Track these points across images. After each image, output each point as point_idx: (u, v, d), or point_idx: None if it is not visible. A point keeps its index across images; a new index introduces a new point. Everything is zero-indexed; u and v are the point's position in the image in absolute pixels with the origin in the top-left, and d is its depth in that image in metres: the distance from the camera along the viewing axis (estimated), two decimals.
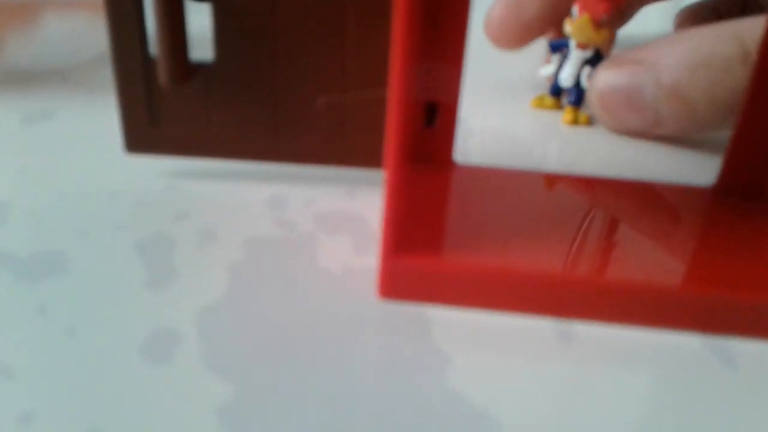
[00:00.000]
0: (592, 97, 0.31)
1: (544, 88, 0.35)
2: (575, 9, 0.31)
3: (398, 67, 0.18)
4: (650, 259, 0.21)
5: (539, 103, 0.34)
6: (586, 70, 0.32)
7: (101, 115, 0.31)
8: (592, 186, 0.25)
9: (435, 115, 0.25)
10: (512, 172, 0.26)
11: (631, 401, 0.18)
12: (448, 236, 0.22)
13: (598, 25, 0.31)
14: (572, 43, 0.32)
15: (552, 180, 0.26)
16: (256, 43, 0.24)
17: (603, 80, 0.31)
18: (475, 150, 0.31)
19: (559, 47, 0.33)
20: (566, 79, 0.33)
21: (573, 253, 0.21)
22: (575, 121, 0.33)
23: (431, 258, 0.20)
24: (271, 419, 0.17)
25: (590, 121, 0.33)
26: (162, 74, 0.24)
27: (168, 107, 0.25)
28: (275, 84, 0.25)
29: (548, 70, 0.34)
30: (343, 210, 0.25)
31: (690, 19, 0.40)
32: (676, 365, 0.19)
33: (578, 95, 0.33)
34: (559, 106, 0.34)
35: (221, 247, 0.23)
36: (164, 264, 0.22)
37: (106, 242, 0.23)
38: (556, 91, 0.34)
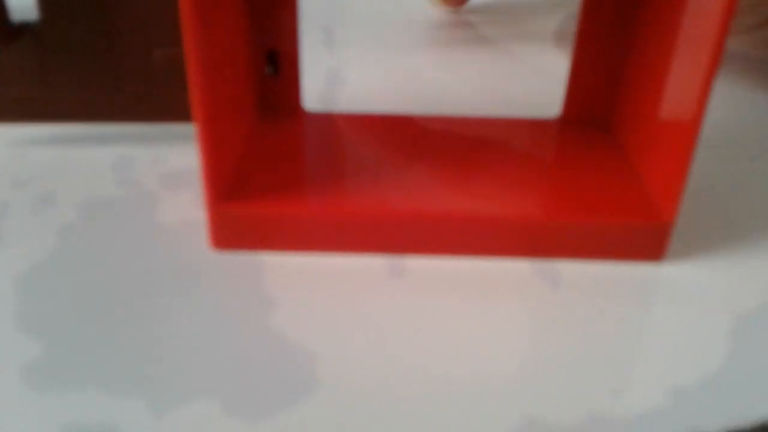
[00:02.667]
0: None
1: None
2: None
3: (187, 10, 0.17)
4: (486, 191, 0.21)
5: None
6: None
7: None
8: (442, 125, 0.25)
9: (276, 63, 0.25)
10: (363, 117, 0.26)
11: (460, 326, 0.18)
12: (282, 182, 0.21)
13: None
14: None
15: (401, 121, 0.26)
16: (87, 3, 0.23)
17: None
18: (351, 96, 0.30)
19: None
20: None
21: (409, 189, 0.21)
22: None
23: (259, 204, 0.20)
24: (79, 373, 0.16)
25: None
26: None
27: (0, 71, 0.24)
28: (110, 40, 0.24)
29: None
30: (192, 166, 0.25)
31: None
32: (506, 289, 0.20)
33: None
34: None
35: (56, 211, 0.22)
36: None
37: None
38: None
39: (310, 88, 0.31)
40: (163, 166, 0.25)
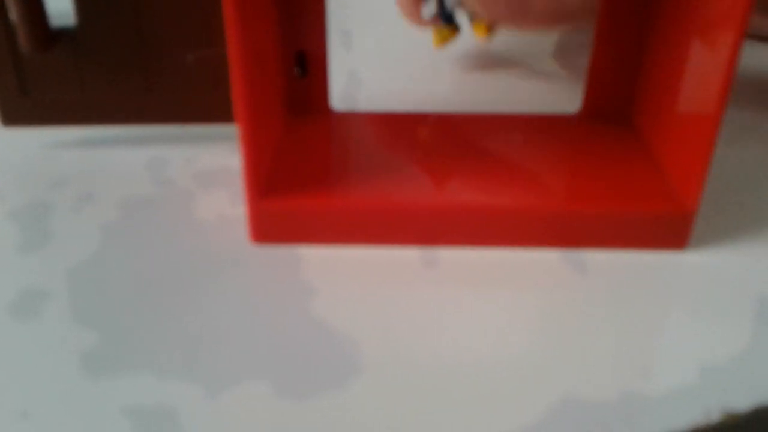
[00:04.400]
0: None
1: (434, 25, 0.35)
2: None
3: (230, 13, 0.18)
4: (512, 184, 0.22)
5: (441, 38, 0.34)
6: None
7: None
8: (465, 121, 0.26)
9: (305, 65, 0.26)
10: (389, 116, 0.26)
11: (494, 313, 0.19)
12: (316, 178, 0.22)
13: None
14: None
15: (425, 119, 0.26)
16: (117, 3, 0.24)
17: None
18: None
19: None
20: (453, 2, 0.33)
21: (438, 183, 0.22)
22: (489, 30, 0.33)
23: (297, 199, 0.21)
24: (135, 359, 0.17)
25: (492, 28, 0.33)
26: (22, 41, 0.23)
27: (38, 76, 0.25)
28: (144, 44, 0.25)
29: (429, 9, 0.33)
30: (224, 166, 0.26)
31: None
32: (536, 277, 0.20)
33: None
34: (457, 29, 0.34)
35: (97, 209, 0.23)
36: (38, 229, 0.22)
37: None
38: (448, 17, 0.33)
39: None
40: (195, 166, 0.26)
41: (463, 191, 0.22)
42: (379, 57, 0.36)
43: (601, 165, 0.23)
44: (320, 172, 0.23)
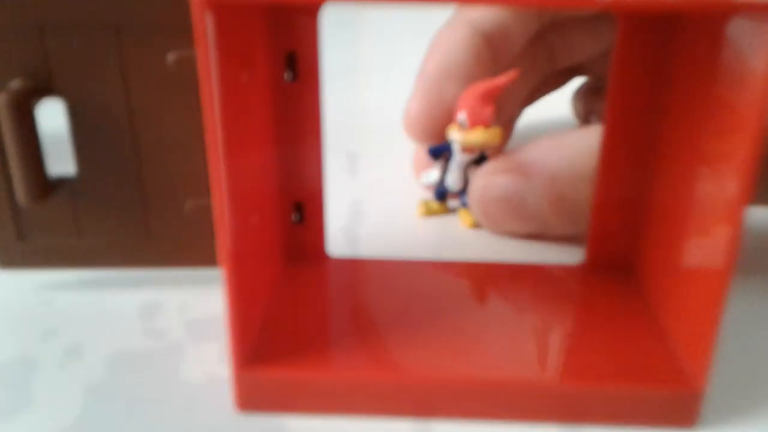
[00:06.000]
0: (472, 204, 0.30)
1: (425, 194, 0.34)
2: (462, 115, 0.29)
3: (214, 158, 0.18)
4: (510, 352, 0.21)
5: (426, 210, 0.33)
6: (473, 170, 0.31)
7: None
8: (466, 271, 0.26)
9: (303, 213, 0.25)
10: (386, 263, 0.26)
11: None
12: (307, 339, 0.21)
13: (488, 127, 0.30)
14: (455, 147, 0.31)
15: (424, 268, 0.26)
16: (118, 152, 0.24)
17: (482, 188, 0.30)
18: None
19: (440, 151, 0.31)
20: (455, 183, 0.31)
21: (433, 348, 0.21)
22: (477, 224, 0.31)
23: (284, 367, 0.20)
24: None
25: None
26: (19, 193, 0.24)
27: (35, 221, 0.25)
28: (143, 190, 0.25)
29: (431, 176, 0.32)
30: (217, 314, 0.25)
31: (587, 97, 0.41)
32: None
33: None
34: (446, 210, 0.33)
35: (84, 365, 0.23)
36: (21, 390, 0.21)
37: None
38: (442, 194, 0.32)
39: (332, 221, 0.31)
40: (188, 314, 0.25)
41: (458, 360, 0.21)
42: (384, 185, 0.36)
43: (603, 329, 0.22)
44: (312, 330, 0.22)
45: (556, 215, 0.28)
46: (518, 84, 0.34)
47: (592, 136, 0.28)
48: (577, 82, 0.42)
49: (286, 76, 0.23)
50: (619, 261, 0.25)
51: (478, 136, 0.29)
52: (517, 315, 0.23)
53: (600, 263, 0.25)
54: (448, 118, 0.31)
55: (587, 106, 0.40)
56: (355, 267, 0.26)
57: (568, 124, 0.43)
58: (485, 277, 0.25)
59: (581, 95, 0.41)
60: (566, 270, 0.25)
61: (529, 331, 0.22)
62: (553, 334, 0.22)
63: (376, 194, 0.34)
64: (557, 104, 0.44)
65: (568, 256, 0.29)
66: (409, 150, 0.36)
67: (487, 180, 0.30)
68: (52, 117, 0.25)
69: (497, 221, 0.30)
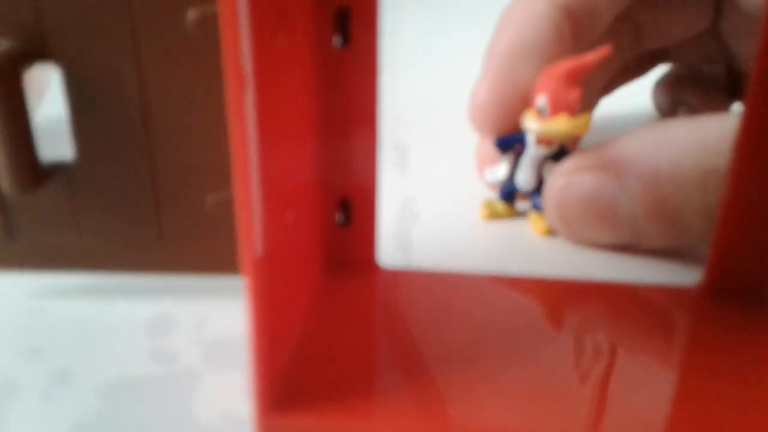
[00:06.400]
0: (548, 207, 0.25)
1: (490, 194, 0.28)
2: (541, 99, 0.24)
3: (238, 144, 0.13)
4: (600, 405, 0.16)
5: (490, 213, 0.27)
6: (550, 167, 0.26)
7: None
8: (540, 289, 0.21)
9: (350, 213, 0.21)
10: (445, 276, 0.21)
11: None
12: (346, 376, 0.17)
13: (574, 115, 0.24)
14: (530, 138, 0.25)
15: (490, 284, 0.21)
16: (125, 133, 0.20)
17: (561, 188, 0.24)
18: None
19: (510, 143, 0.26)
20: (526, 181, 0.26)
21: (498, 396, 0.16)
22: (552, 230, 0.26)
23: (317, 415, 0.15)
24: None
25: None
26: (5, 182, 0.19)
27: (25, 216, 0.21)
28: (155, 180, 0.20)
29: (499, 173, 0.27)
30: (242, 332, 0.21)
31: (674, 88, 0.35)
32: None
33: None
34: (513, 213, 0.28)
35: (73, 394, 0.18)
36: None
37: None
38: (509, 194, 0.27)
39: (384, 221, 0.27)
40: (207, 331, 0.21)
41: (532, 415, 0.16)
42: (441, 182, 0.31)
43: (729, 379, 0.17)
44: (353, 364, 0.17)
45: (653, 224, 0.23)
46: (599, 68, 0.29)
47: (705, 129, 0.23)
48: (659, 70, 0.36)
49: (335, 40, 0.18)
50: (749, 285, 0.20)
51: (562, 124, 0.24)
52: (608, 352, 0.18)
53: (723, 286, 0.20)
54: (522, 105, 0.26)
55: (674, 98, 0.35)
56: (410, 280, 0.21)
57: (647, 118, 0.37)
58: (564, 299, 0.20)
59: (666, 85, 0.35)
60: (675, 294, 0.20)
61: (623, 375, 0.17)
62: (657, 381, 0.17)
63: (431, 193, 0.30)
64: (633, 95, 0.38)
65: (669, 275, 0.23)
66: (472, 143, 0.31)
67: (568, 178, 0.24)
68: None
69: (578, 229, 0.25)
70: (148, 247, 0.21)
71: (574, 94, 0.24)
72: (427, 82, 0.43)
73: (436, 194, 0.30)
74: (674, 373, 0.17)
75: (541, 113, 0.24)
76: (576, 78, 0.24)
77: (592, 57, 0.24)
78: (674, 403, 0.16)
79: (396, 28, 0.46)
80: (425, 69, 0.46)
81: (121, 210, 0.21)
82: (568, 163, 0.25)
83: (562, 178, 0.25)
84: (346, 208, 0.20)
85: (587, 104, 0.32)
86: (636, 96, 0.38)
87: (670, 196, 0.22)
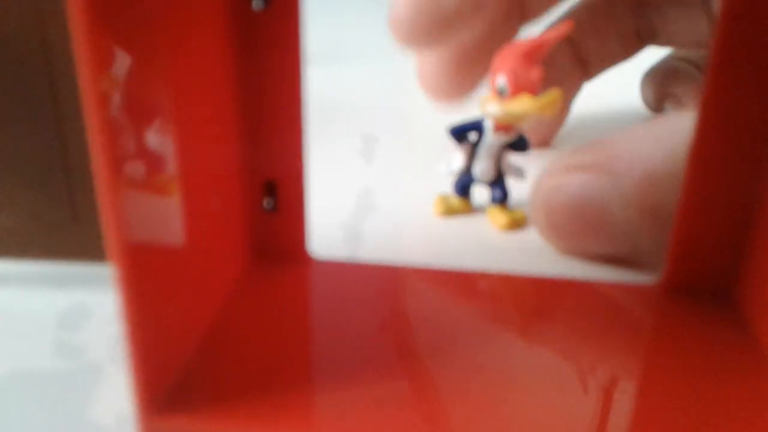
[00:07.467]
0: (534, 212, 0.22)
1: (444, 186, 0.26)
2: (501, 79, 0.22)
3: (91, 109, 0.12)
4: (559, 410, 0.14)
5: (445, 209, 0.25)
6: (509, 156, 0.24)
7: None
8: (496, 285, 0.19)
9: (275, 197, 0.19)
10: (386, 269, 0.19)
11: None
12: (265, 372, 0.15)
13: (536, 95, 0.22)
14: (487, 125, 0.24)
15: (439, 278, 0.19)
16: (30, 102, 0.18)
17: (549, 190, 0.22)
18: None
19: (465, 131, 0.24)
20: (484, 173, 0.24)
21: (442, 403, 0.14)
22: (512, 224, 0.24)
23: (216, 418, 0.14)
24: None
25: (527, 220, 0.25)
26: None
27: None
28: (66, 158, 0.19)
29: (454, 164, 0.25)
30: None
31: (663, 80, 0.33)
32: None
33: (503, 190, 0.25)
34: (469, 208, 0.26)
35: None
36: None
37: None
38: (464, 188, 0.25)
39: (335, 212, 0.25)
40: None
41: (484, 425, 0.14)
42: (404, 174, 0.29)
43: (694, 375, 0.15)
44: (265, 366, 0.15)
45: (650, 231, 0.20)
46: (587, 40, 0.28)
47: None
48: (647, 58, 0.34)
49: (255, 2, 0.17)
50: (710, 281, 0.18)
51: (526, 104, 0.22)
52: (567, 353, 0.16)
53: (683, 284, 0.18)
54: (446, 20, 0.25)
55: (662, 91, 0.33)
56: (345, 272, 0.19)
57: (634, 114, 0.35)
58: (521, 296, 0.18)
59: (654, 78, 0.34)
60: (634, 291, 0.18)
61: (583, 377, 0.15)
62: (614, 377, 0.15)
63: (394, 186, 0.28)
64: (620, 94, 0.36)
65: (629, 273, 0.22)
66: (431, 134, 0.29)
67: (557, 179, 0.21)
68: None
69: (567, 236, 0.22)
70: (61, 231, 0.20)
71: (535, 73, 0.22)
72: (404, 73, 0.41)
73: (398, 186, 0.28)
74: (631, 369, 0.15)
75: (501, 94, 0.23)
76: (536, 57, 0.22)
77: (551, 35, 0.22)
78: (634, 399, 0.14)
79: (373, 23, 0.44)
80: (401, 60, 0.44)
81: (29, 190, 0.19)
82: (556, 164, 0.22)
83: (550, 179, 0.22)
84: (272, 191, 0.19)
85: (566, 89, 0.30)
86: (622, 94, 0.36)
87: (667, 199, 0.20)
